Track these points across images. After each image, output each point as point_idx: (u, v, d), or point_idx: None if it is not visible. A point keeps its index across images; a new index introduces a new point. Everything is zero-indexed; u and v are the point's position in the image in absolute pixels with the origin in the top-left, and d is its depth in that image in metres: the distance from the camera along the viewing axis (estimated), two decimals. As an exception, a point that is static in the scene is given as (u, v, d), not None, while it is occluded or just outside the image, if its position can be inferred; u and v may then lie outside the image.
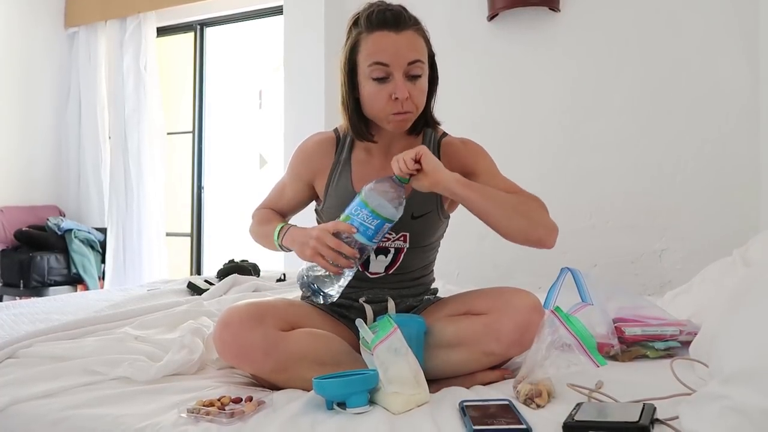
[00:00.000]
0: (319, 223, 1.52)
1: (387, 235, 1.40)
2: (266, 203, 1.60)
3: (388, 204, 1.24)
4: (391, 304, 1.45)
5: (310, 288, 1.28)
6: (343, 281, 1.29)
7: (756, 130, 2.72)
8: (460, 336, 1.31)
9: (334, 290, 1.29)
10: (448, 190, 1.29)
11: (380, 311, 1.45)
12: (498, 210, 1.31)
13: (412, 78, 1.33)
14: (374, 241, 1.25)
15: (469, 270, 3.14)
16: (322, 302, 1.30)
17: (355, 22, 1.36)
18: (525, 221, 1.33)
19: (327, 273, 1.27)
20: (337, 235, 1.25)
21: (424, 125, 1.46)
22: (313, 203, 1.58)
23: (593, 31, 3.01)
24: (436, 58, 1.43)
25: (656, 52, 2.89)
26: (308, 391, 1.18)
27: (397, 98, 1.32)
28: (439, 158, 1.46)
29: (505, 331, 1.27)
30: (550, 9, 3.05)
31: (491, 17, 3.18)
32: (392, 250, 1.43)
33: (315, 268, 1.29)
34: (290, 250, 1.37)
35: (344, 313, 1.47)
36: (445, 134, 1.53)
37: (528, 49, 3.14)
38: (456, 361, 1.32)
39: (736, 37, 2.76)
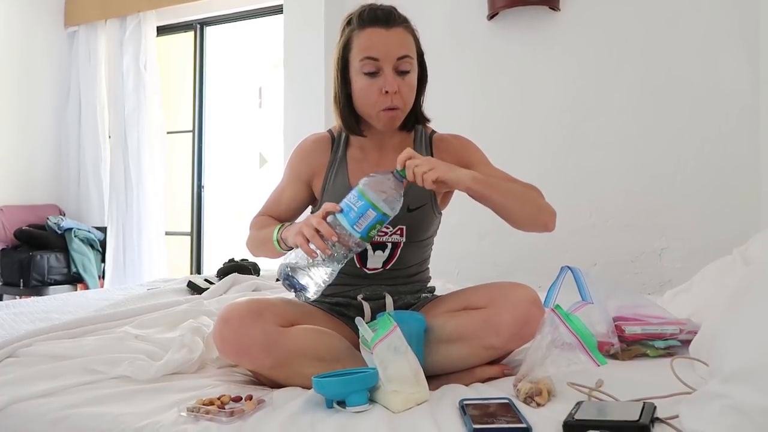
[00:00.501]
0: None
1: (384, 229, 1.41)
2: (263, 210, 1.58)
3: (378, 192, 1.20)
4: (388, 300, 1.46)
5: (288, 280, 1.24)
6: (319, 276, 1.23)
7: (756, 129, 2.72)
8: (459, 331, 1.31)
9: (311, 286, 1.23)
10: (465, 188, 1.29)
11: (378, 308, 1.46)
12: (511, 202, 1.34)
13: (402, 73, 1.39)
14: (356, 228, 1.19)
15: (469, 269, 3.15)
16: (301, 299, 1.25)
17: (348, 22, 1.43)
18: (533, 209, 1.37)
19: (305, 264, 1.22)
20: (325, 219, 1.23)
21: (415, 122, 1.51)
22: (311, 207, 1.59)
23: (593, 30, 3.01)
24: (428, 57, 1.48)
25: (656, 51, 2.89)
26: (308, 387, 1.18)
27: (386, 92, 1.36)
28: (432, 154, 1.52)
29: (504, 324, 1.27)
30: (550, 8, 3.05)
31: (491, 16, 3.18)
32: (389, 245, 1.45)
33: (294, 261, 1.25)
34: (290, 248, 1.34)
35: (343, 311, 1.48)
36: (434, 131, 1.58)
37: (528, 48, 3.14)
38: (456, 356, 1.32)
39: (736, 35, 2.76)
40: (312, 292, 1.24)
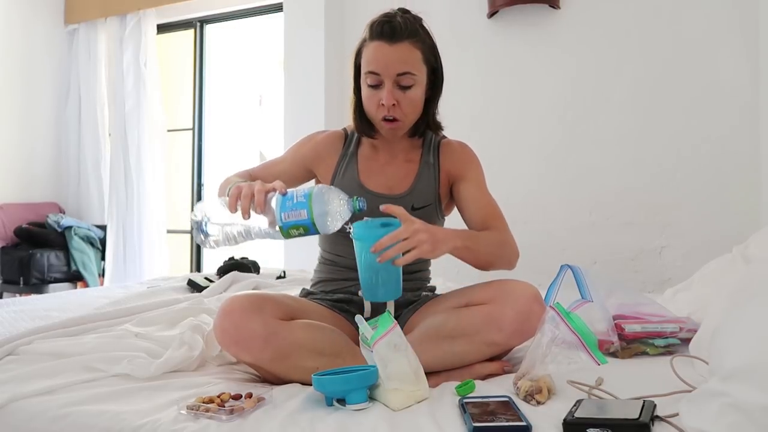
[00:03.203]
0: None
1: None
2: (251, 168, 1.58)
3: (323, 205, 1.17)
4: None
5: (197, 222, 1.21)
6: (224, 233, 1.20)
7: (756, 127, 2.72)
8: (461, 327, 1.32)
9: (213, 236, 1.20)
10: (447, 252, 1.31)
11: (378, 304, 1.48)
12: (483, 261, 1.42)
13: (403, 88, 1.42)
14: (282, 216, 1.16)
15: (469, 267, 3.13)
16: (198, 242, 1.22)
17: (367, 28, 1.46)
18: (501, 262, 1.45)
19: (221, 214, 1.20)
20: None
21: (426, 128, 1.56)
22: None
23: (593, 28, 3.01)
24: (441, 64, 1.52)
25: (656, 49, 2.89)
26: (307, 381, 1.18)
27: (383, 104, 1.42)
28: (438, 158, 1.57)
29: (506, 320, 1.28)
30: (550, 6, 3.05)
31: (491, 14, 3.18)
32: None
33: (215, 205, 1.22)
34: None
35: (344, 307, 1.50)
36: (444, 137, 1.62)
37: (528, 46, 3.14)
38: (458, 352, 1.32)
39: (736, 33, 2.76)
40: (210, 242, 1.22)
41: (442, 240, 1.28)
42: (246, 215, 1.18)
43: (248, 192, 1.18)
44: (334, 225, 1.20)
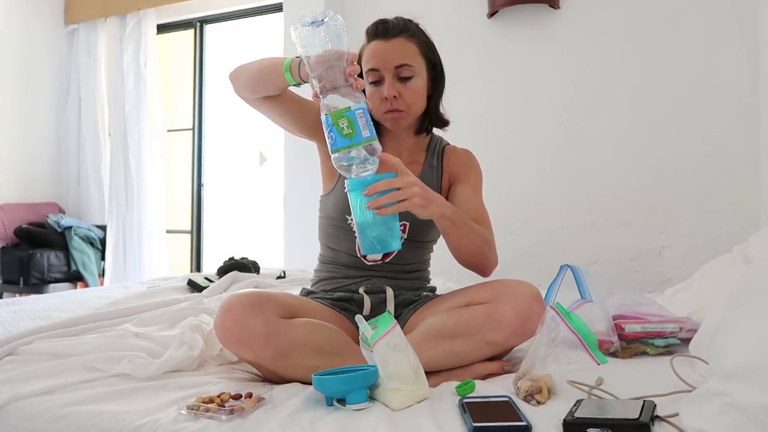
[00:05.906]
0: (321, 213, 1.61)
1: None
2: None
3: (368, 152, 1.20)
4: (389, 293, 1.50)
5: (321, 17, 1.21)
6: (317, 42, 1.20)
7: (756, 127, 2.72)
8: (462, 326, 1.32)
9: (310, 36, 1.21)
10: (435, 217, 1.30)
11: (379, 302, 1.49)
12: (463, 246, 1.40)
13: (403, 80, 1.47)
14: (354, 110, 1.19)
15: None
16: (311, 19, 1.22)
17: (365, 33, 1.52)
18: (480, 257, 1.43)
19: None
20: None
21: (431, 124, 1.59)
22: (319, 191, 1.64)
23: (593, 28, 3.02)
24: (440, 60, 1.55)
25: (656, 49, 2.89)
26: (308, 380, 1.18)
27: (386, 98, 1.45)
28: (442, 161, 1.60)
29: (506, 319, 1.28)
30: (550, 6, 3.05)
31: (491, 14, 3.18)
32: None
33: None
34: (301, 81, 1.32)
35: (345, 305, 1.51)
36: (448, 143, 1.66)
37: (528, 46, 3.14)
38: (458, 351, 1.32)
39: (736, 33, 2.76)
40: (315, 21, 1.22)
41: (434, 201, 1.28)
42: (357, 68, 1.20)
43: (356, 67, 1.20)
44: (355, 165, 1.21)
